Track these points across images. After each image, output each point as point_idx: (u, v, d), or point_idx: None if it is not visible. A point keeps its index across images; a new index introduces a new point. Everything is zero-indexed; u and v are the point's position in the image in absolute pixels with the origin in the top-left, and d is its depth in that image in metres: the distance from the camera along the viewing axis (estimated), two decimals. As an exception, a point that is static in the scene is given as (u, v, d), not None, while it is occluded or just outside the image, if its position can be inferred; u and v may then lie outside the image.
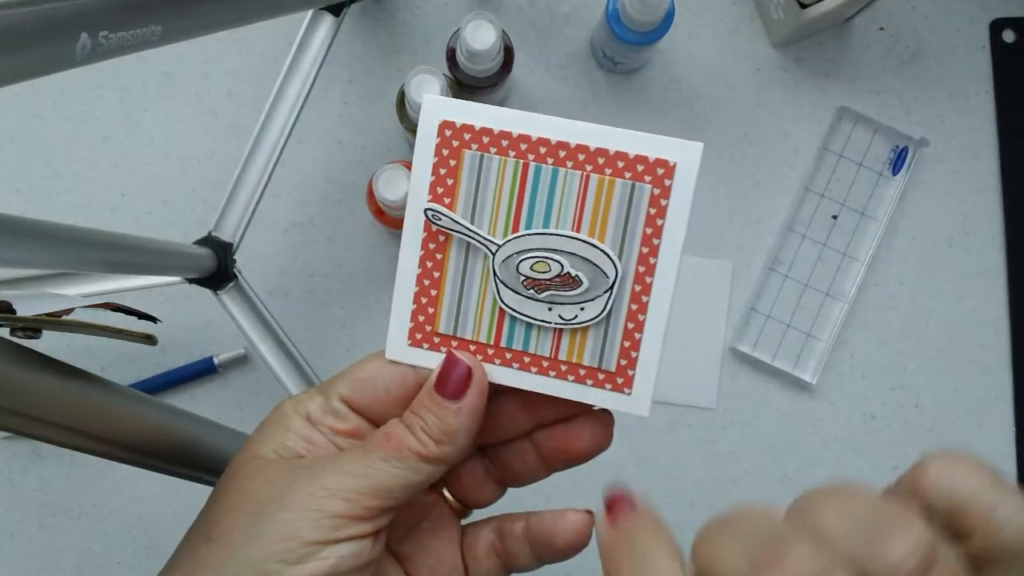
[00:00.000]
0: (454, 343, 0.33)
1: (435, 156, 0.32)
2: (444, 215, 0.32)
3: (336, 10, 0.57)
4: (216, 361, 0.64)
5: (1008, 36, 0.68)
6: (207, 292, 0.58)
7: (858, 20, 0.67)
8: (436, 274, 0.33)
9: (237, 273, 0.57)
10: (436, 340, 0.33)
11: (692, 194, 0.30)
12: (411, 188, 0.32)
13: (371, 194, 0.59)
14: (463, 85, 0.59)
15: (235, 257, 0.57)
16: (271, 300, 0.63)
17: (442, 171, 0.32)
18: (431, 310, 0.33)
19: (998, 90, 0.67)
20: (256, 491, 0.31)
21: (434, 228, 0.32)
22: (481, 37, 0.54)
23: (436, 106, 0.32)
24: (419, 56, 0.66)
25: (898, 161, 0.66)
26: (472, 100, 0.61)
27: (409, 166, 0.59)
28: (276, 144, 0.57)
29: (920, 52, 0.67)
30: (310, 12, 0.57)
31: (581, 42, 0.66)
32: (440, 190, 0.32)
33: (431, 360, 0.33)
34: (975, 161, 0.67)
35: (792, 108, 0.67)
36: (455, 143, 0.32)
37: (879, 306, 0.67)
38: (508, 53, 0.58)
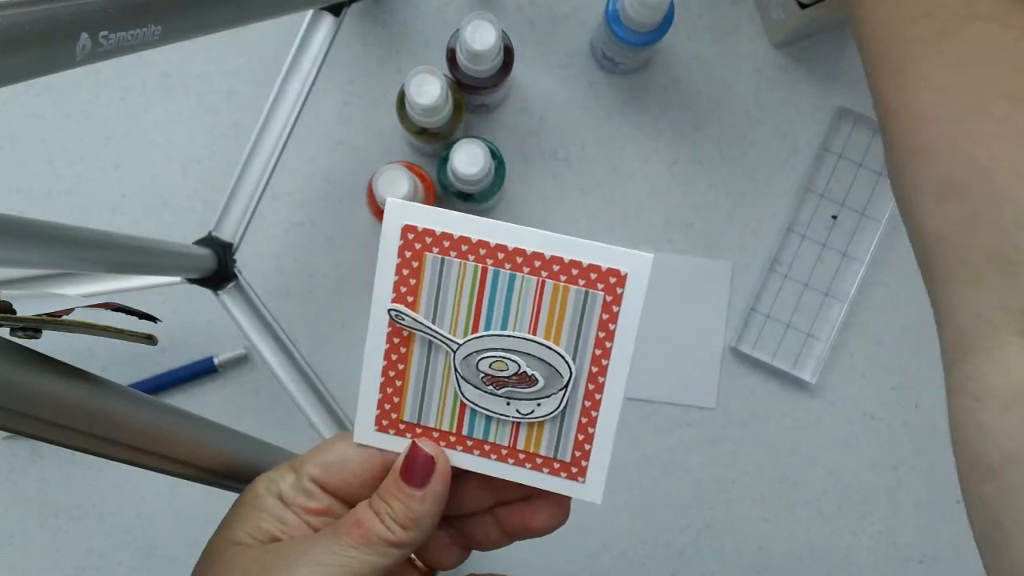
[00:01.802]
0: (418, 430, 0.35)
1: (398, 257, 0.33)
2: (407, 316, 0.33)
3: (336, 10, 0.57)
4: (216, 361, 0.64)
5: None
6: (207, 292, 0.58)
7: (858, 20, 0.67)
8: (401, 366, 0.34)
9: (237, 273, 0.58)
10: (401, 427, 0.35)
11: (643, 301, 0.32)
12: (375, 287, 0.33)
13: (371, 194, 0.59)
14: (463, 85, 0.59)
15: (235, 257, 0.58)
16: (271, 300, 0.63)
17: (405, 271, 0.33)
18: (396, 399, 0.34)
19: (998, 90, 0.67)
20: None
21: (398, 326, 0.33)
22: (481, 37, 0.54)
23: (398, 210, 0.33)
24: (419, 56, 0.66)
25: (898, 161, 0.66)
26: (473, 100, 0.61)
27: (410, 166, 0.59)
28: (276, 144, 0.57)
29: (920, 52, 0.67)
30: (310, 12, 0.57)
31: (581, 42, 0.66)
32: (403, 289, 0.33)
33: (397, 445, 0.35)
34: (975, 161, 0.67)
35: (792, 108, 0.67)
36: (417, 246, 0.33)
37: (879, 306, 0.67)
38: (508, 53, 0.58)
